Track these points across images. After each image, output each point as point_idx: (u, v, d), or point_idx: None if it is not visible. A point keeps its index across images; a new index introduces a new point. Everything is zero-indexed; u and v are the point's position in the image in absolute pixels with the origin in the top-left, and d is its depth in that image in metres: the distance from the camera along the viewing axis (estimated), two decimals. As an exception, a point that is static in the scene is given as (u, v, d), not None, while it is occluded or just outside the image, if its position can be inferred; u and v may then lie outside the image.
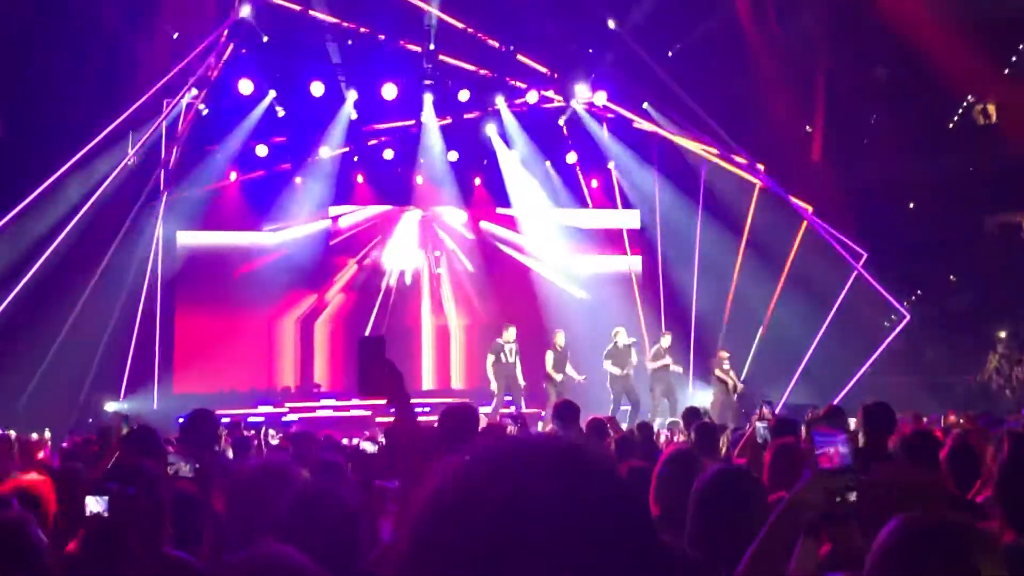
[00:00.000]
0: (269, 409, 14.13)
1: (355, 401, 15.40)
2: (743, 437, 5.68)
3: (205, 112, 14.70)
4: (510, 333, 12.83)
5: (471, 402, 4.36)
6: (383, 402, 2.63)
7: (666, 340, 13.30)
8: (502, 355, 12.68)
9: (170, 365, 15.23)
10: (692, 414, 7.60)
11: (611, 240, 17.50)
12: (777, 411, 11.85)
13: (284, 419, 13.62)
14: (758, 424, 5.23)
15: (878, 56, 15.24)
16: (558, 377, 12.46)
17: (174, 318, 15.56)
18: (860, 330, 14.37)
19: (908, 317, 14.48)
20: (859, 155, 15.48)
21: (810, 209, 14.47)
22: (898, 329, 14.47)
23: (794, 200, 14.37)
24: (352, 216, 17.13)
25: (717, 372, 13.20)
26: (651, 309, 16.31)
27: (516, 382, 12.77)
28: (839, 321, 14.09)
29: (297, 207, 16.44)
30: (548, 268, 17.42)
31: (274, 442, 7.01)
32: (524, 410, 12.07)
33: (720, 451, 5.85)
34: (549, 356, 12.69)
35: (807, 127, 15.95)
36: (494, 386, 12.60)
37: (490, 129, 16.48)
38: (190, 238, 15.89)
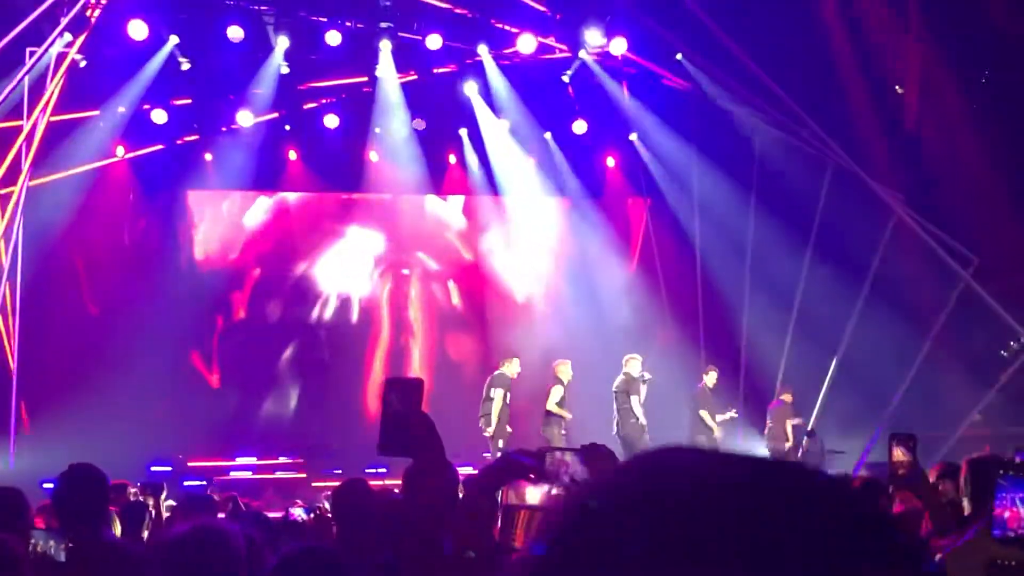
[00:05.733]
0: (166, 470, 14.10)
1: (283, 459, 15.41)
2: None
3: (83, 64, 14.70)
4: (516, 366, 13.16)
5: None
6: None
7: (711, 378, 13.50)
8: (508, 394, 13.02)
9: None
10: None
11: (632, 237, 17.59)
12: (857, 470, 11.95)
13: (186, 482, 13.59)
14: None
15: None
16: (568, 416, 12.77)
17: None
18: (969, 362, 14.44)
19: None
20: (967, 126, 15.59)
21: (901, 197, 14.56)
22: (1021, 360, 14.55)
23: (879, 187, 14.46)
24: (263, 209, 17.19)
25: (772, 423, 13.43)
26: (686, 332, 16.36)
27: (507, 430, 13.03)
28: (941, 349, 14.16)
29: (207, 192, 16.46)
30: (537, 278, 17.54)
31: (166, 514, 6.99)
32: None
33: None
34: (556, 392, 12.87)
35: (897, 87, 16.06)
36: (493, 430, 12.76)
37: (470, 88, 16.55)
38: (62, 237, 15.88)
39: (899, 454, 8.34)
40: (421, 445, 2.37)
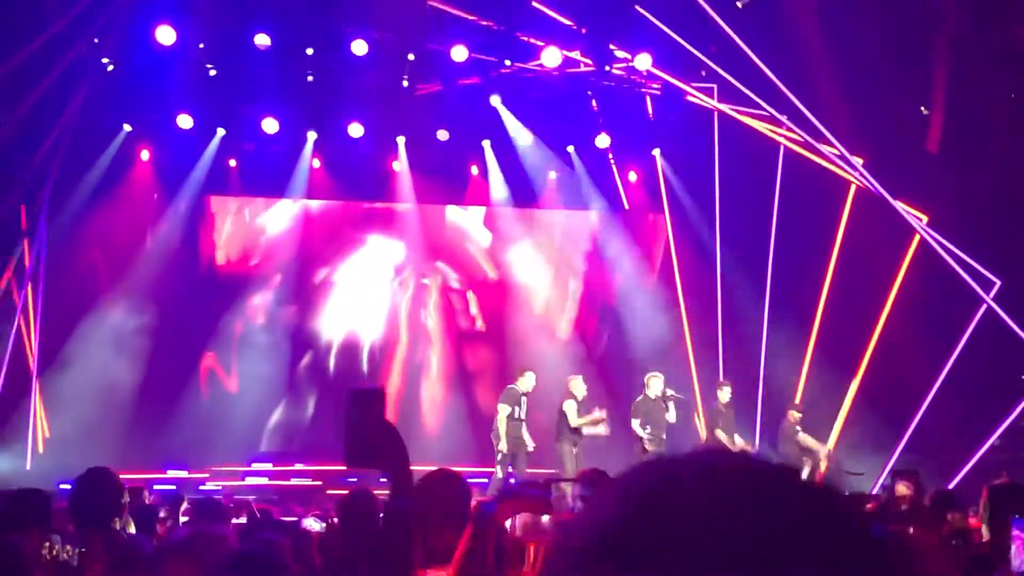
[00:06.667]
0: (182, 474, 14.14)
1: (299, 466, 15.42)
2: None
3: (111, 68, 14.81)
4: (529, 380, 13.07)
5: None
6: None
7: (725, 394, 13.42)
8: (517, 409, 12.92)
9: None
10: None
11: (652, 252, 17.55)
12: (874, 491, 11.85)
13: (202, 487, 13.63)
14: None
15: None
16: (598, 426, 12.70)
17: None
18: (989, 385, 14.32)
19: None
20: (992, 146, 15.48)
21: (924, 219, 14.49)
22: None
23: (902, 206, 14.39)
24: (285, 216, 17.22)
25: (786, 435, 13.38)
26: (705, 350, 16.31)
27: (524, 445, 12.93)
28: (962, 372, 14.05)
29: (230, 197, 16.53)
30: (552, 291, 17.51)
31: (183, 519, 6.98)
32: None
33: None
34: (570, 407, 12.80)
35: (922, 108, 15.98)
36: (502, 445, 12.72)
37: (494, 100, 16.57)
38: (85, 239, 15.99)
39: (902, 489, 8.21)
40: (387, 455, 2.33)
